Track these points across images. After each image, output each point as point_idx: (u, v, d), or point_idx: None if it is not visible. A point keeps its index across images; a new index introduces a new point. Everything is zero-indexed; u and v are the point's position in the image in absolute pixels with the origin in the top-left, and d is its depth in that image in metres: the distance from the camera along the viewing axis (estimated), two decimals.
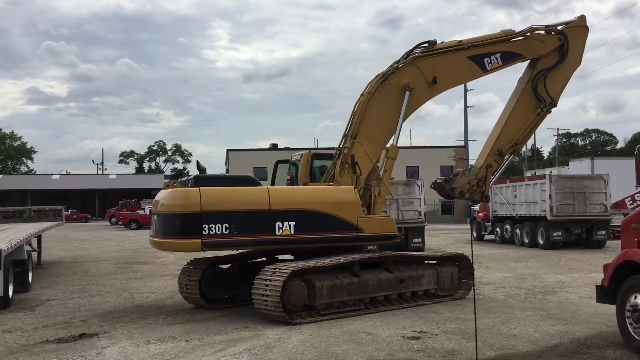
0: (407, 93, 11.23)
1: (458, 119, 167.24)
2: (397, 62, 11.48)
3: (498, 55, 11.69)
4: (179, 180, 11.02)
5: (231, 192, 10.10)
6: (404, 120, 11.39)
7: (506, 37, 11.83)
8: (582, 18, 12.20)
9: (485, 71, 11.75)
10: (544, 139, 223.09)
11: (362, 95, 11.47)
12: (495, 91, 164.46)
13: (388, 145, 11.61)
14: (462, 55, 11.57)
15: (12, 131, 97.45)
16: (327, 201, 10.45)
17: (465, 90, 60.61)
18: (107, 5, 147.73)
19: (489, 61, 11.68)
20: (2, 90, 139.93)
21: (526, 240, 24.14)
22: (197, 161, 11.11)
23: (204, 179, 10.34)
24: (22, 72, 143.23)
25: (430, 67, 11.40)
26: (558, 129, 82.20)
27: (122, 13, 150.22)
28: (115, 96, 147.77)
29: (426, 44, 11.51)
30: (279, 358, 7.50)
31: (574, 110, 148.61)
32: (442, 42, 11.69)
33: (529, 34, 11.90)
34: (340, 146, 11.45)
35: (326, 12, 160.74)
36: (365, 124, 11.24)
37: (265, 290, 9.36)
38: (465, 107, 60.71)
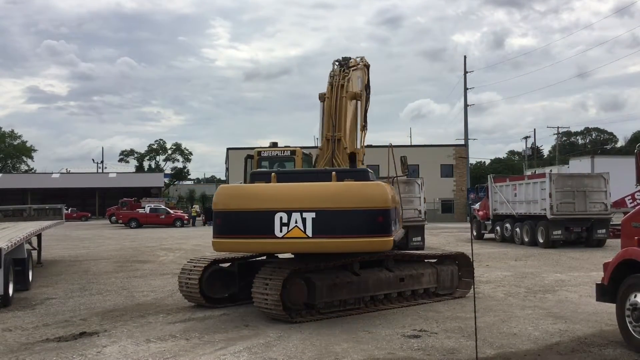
0: (358, 102, 11.91)
1: (458, 118, 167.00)
2: (343, 72, 12.05)
3: (361, 78, 12.82)
4: (338, 170, 9.70)
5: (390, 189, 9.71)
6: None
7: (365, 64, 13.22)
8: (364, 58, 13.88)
9: (360, 90, 12.74)
10: (544, 138, 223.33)
11: (328, 99, 11.72)
12: (498, 90, 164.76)
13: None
14: (357, 73, 12.63)
15: (12, 130, 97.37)
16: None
17: (465, 89, 60.64)
18: (107, 4, 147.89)
19: (359, 82, 12.81)
20: (2, 89, 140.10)
21: (526, 239, 24.13)
22: (352, 152, 10.59)
23: (370, 173, 9.82)
24: (22, 70, 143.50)
25: (356, 81, 12.30)
26: (558, 127, 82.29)
27: (122, 12, 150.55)
28: (116, 95, 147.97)
29: (340, 60, 12.47)
30: (279, 357, 7.50)
31: (574, 108, 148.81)
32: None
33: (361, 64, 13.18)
34: (321, 146, 11.58)
35: (326, 11, 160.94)
36: (346, 127, 11.55)
37: (265, 289, 9.35)
38: (466, 105, 60.72)
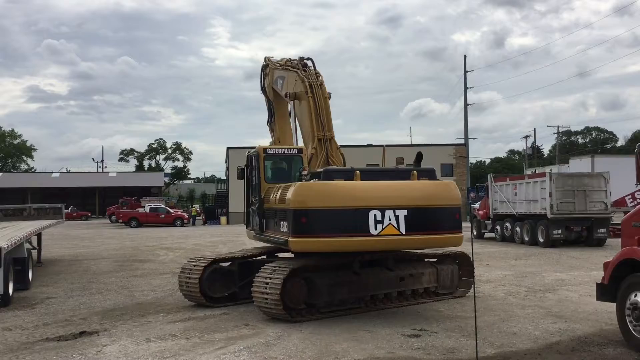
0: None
1: (458, 117, 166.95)
2: (316, 72, 11.93)
3: None
4: (416, 167, 10.00)
5: None
6: None
7: None
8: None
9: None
10: (544, 137, 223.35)
11: (310, 97, 11.45)
12: (498, 89, 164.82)
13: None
14: None
15: (13, 129, 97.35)
16: None
17: (466, 88, 60.58)
18: (107, 3, 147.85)
19: None
20: (2, 89, 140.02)
21: (526, 238, 24.13)
22: (420, 152, 10.58)
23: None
24: (22, 70, 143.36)
25: None
26: (558, 126, 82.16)
27: (121, 11, 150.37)
28: (116, 94, 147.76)
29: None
30: (279, 356, 7.50)
31: (574, 108, 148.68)
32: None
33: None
34: (314, 147, 11.43)
35: (325, 11, 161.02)
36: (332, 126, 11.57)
37: (265, 288, 9.36)
38: (466, 105, 60.66)
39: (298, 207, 8.99)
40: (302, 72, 11.90)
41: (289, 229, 9.16)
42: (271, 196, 10.49)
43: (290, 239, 9.10)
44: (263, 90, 13.99)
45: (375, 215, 8.87)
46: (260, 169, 11.32)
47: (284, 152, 11.43)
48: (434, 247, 9.98)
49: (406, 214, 8.96)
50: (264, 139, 12.14)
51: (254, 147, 12.05)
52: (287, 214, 9.29)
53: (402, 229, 8.95)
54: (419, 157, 10.37)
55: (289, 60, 12.77)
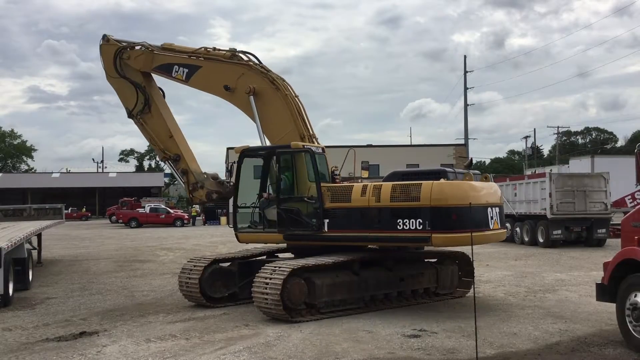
0: None
1: (458, 117, 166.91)
2: (266, 69, 11.63)
3: None
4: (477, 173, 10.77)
5: None
6: None
7: None
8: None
9: None
10: (544, 137, 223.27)
11: (287, 96, 11.29)
12: (498, 90, 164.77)
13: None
14: None
15: (13, 129, 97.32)
16: None
17: (466, 89, 60.53)
18: (106, 3, 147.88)
19: None
20: (2, 89, 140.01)
21: (526, 239, 24.13)
22: (471, 158, 11.46)
23: None
24: (22, 70, 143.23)
25: None
26: (558, 127, 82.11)
27: (121, 12, 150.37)
28: (116, 95, 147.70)
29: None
30: (279, 356, 7.50)
31: (574, 108, 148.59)
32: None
33: None
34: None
35: (325, 11, 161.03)
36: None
37: (265, 289, 9.36)
38: (466, 105, 60.62)
39: (450, 205, 9.50)
40: (259, 67, 11.57)
41: (428, 226, 9.49)
42: (352, 195, 10.07)
43: (435, 235, 9.51)
44: (120, 74, 12.93)
45: (489, 212, 10.05)
46: (308, 167, 10.68)
47: (312, 149, 10.89)
48: (502, 240, 11.17)
49: (498, 210, 10.32)
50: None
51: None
52: (423, 212, 9.50)
53: (500, 224, 10.29)
54: (471, 162, 11.49)
55: (211, 49, 12.09)
